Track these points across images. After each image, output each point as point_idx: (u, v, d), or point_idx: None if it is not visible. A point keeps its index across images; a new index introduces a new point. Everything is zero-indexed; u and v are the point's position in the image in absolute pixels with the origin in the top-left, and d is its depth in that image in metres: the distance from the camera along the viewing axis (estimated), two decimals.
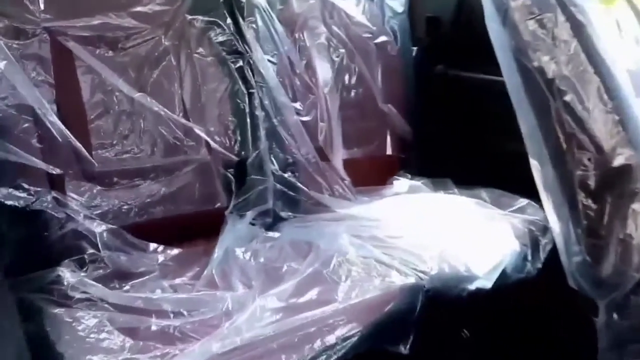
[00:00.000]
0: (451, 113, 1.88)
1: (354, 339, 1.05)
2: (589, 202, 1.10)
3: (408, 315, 1.19)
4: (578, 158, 1.10)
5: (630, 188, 1.06)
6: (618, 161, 1.06)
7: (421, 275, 1.24)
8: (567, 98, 1.08)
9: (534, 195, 1.54)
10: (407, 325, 1.17)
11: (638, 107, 1.09)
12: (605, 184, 1.08)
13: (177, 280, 1.22)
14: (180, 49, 1.44)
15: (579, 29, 1.09)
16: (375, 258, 1.28)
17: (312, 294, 1.12)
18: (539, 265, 1.44)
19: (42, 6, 1.27)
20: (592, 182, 1.09)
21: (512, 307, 1.52)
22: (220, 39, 1.48)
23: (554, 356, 1.58)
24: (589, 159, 1.09)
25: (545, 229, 1.49)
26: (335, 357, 1.01)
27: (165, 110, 1.38)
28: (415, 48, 1.92)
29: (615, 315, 1.10)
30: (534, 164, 1.20)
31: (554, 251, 1.41)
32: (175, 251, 1.32)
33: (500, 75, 1.53)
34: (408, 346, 1.14)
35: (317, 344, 1.01)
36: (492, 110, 1.77)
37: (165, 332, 1.03)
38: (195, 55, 1.45)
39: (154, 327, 1.02)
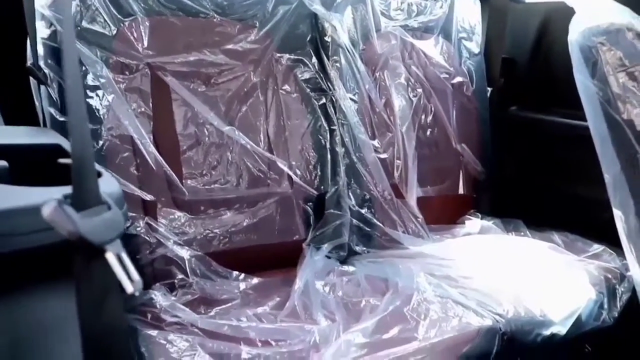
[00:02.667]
0: (524, 155, 1.92)
1: None
2: None
3: (485, 357, 1.23)
4: None
5: None
6: None
7: (498, 317, 1.28)
8: None
9: (608, 241, 1.58)
10: None
11: None
12: None
13: (260, 309, 1.28)
14: (268, 85, 1.53)
15: None
16: (452, 298, 1.32)
17: (394, 331, 1.16)
18: (616, 314, 1.46)
19: (145, 44, 1.38)
20: None
21: (587, 355, 1.53)
22: (306, 76, 1.58)
23: None
24: None
25: (623, 277, 1.51)
26: None
27: (252, 143, 1.47)
28: (490, 89, 1.97)
29: None
30: (617, 213, 1.23)
31: (632, 300, 1.44)
32: (255, 280, 1.39)
33: (576, 119, 1.57)
34: None
35: None
36: (563, 154, 1.81)
37: None
38: (281, 91, 1.55)
39: (244, 355, 1.08)
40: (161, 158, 1.35)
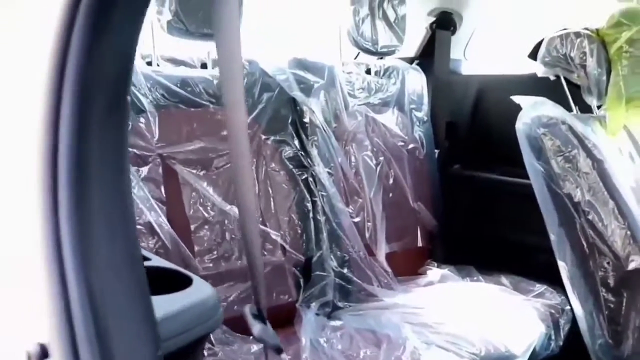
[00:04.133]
0: (469, 207, 2.29)
1: None
2: (610, 296, 1.50)
3: None
4: (599, 262, 1.50)
5: None
6: (632, 265, 1.47)
7: (473, 357, 1.60)
8: (590, 217, 1.49)
9: (548, 280, 1.95)
10: None
11: None
12: (622, 283, 1.48)
13: None
14: (258, 165, 1.80)
15: (597, 164, 1.51)
16: (436, 343, 1.63)
17: None
18: (561, 343, 1.82)
19: (156, 136, 1.61)
20: (611, 281, 1.49)
21: None
22: (289, 155, 1.86)
23: None
24: (608, 263, 1.49)
25: (563, 311, 1.88)
26: None
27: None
28: (437, 151, 2.33)
29: None
30: (561, 264, 1.60)
31: (572, 331, 1.80)
32: None
33: (511, 176, 1.93)
34: None
35: None
36: (503, 205, 2.19)
37: None
38: (269, 170, 1.82)
39: None
40: (178, 238, 1.58)
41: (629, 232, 1.47)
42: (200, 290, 1.02)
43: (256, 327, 0.75)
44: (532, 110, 1.57)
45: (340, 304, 1.89)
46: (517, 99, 1.61)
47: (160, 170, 1.62)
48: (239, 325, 1.63)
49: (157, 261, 1.16)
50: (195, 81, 1.73)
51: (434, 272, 2.14)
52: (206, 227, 1.68)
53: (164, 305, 0.89)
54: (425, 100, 2.32)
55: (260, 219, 1.78)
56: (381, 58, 2.32)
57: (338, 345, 1.64)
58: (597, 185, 1.50)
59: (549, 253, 1.64)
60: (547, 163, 1.52)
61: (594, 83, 1.66)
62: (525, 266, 2.08)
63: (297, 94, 1.89)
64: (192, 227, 1.65)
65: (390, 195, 2.14)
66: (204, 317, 0.90)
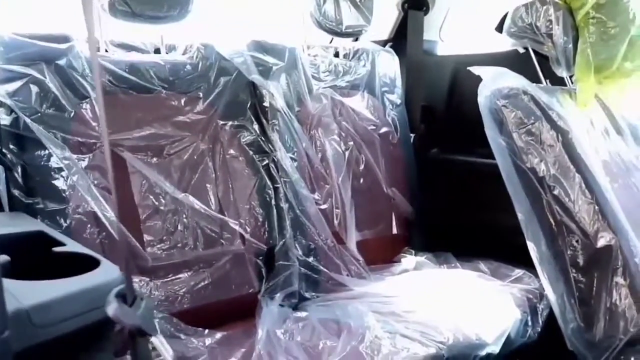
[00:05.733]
0: (447, 192, 2.18)
1: None
2: (580, 276, 1.39)
3: None
4: (568, 240, 1.39)
5: (613, 265, 1.35)
6: (601, 243, 1.36)
7: (440, 345, 1.49)
8: (556, 192, 1.38)
9: (527, 265, 1.84)
10: None
11: (613, 198, 1.39)
12: (591, 262, 1.37)
13: None
14: (215, 151, 1.71)
15: (561, 135, 1.40)
16: (400, 332, 1.53)
17: None
18: (539, 329, 1.71)
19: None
20: (581, 260, 1.38)
21: None
22: (249, 140, 1.77)
23: None
24: (577, 241, 1.38)
25: (542, 296, 1.77)
26: None
27: (204, 207, 1.64)
28: (413, 135, 2.23)
29: None
30: (530, 245, 1.49)
31: (551, 316, 1.69)
32: (219, 334, 1.54)
33: (488, 158, 1.83)
34: None
35: None
36: (482, 189, 2.08)
37: None
38: (228, 156, 1.73)
39: None
40: (125, 229, 1.49)
41: (596, 207, 1.36)
42: (104, 274, 0.94)
43: (111, 306, 0.66)
44: (492, 82, 1.46)
45: (307, 295, 1.80)
46: (476, 69, 1.51)
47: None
48: (191, 318, 1.55)
49: (72, 246, 1.09)
50: (146, 66, 1.64)
51: (409, 260, 2.04)
52: (157, 216, 1.59)
53: (59, 288, 0.82)
54: (399, 82, 2.21)
55: (218, 208, 1.69)
56: (355, 40, 2.22)
57: (297, 336, 1.54)
58: (562, 158, 1.39)
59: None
60: (509, 137, 1.41)
61: (561, 52, 1.55)
62: (505, 251, 1.98)
63: (256, 77, 1.80)
64: (142, 216, 1.57)
65: (361, 181, 2.04)
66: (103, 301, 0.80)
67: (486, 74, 1.48)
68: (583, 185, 1.37)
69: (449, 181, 2.17)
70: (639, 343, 1.31)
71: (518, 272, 1.89)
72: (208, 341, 1.52)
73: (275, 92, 1.81)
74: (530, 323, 1.70)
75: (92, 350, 0.80)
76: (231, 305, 1.66)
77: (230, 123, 1.75)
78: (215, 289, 1.63)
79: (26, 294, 0.76)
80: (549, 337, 1.70)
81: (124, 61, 1.61)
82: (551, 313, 1.69)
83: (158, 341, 0.69)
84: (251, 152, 1.77)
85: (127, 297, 0.68)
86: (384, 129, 2.12)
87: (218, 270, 1.65)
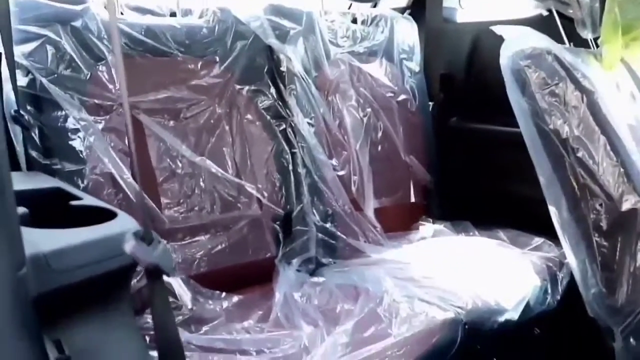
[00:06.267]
0: (466, 161, 2.14)
1: None
2: (602, 241, 1.35)
3: (450, 346, 1.42)
4: (591, 204, 1.35)
5: (638, 228, 1.31)
6: (626, 206, 1.32)
7: (459, 310, 1.47)
8: (580, 154, 1.34)
9: (547, 234, 1.81)
10: (450, 355, 1.40)
11: (639, 160, 1.35)
12: (615, 226, 1.33)
13: (246, 324, 1.42)
14: (232, 115, 1.69)
15: (586, 96, 1.36)
16: (418, 297, 1.50)
17: (371, 330, 1.33)
18: (558, 298, 1.68)
19: (117, 85, 1.51)
20: (604, 224, 1.34)
21: (537, 336, 1.75)
22: (266, 105, 1.74)
23: None
24: (601, 205, 1.34)
25: (562, 265, 1.74)
26: None
27: (222, 171, 1.62)
28: (431, 103, 2.19)
29: (631, 339, 1.32)
30: (552, 209, 1.45)
31: (571, 284, 1.66)
32: (236, 298, 1.53)
33: (509, 126, 1.80)
34: None
35: None
36: (501, 158, 2.04)
37: None
38: (245, 120, 1.70)
39: None
40: (142, 191, 1.47)
41: (622, 170, 1.31)
42: (121, 224, 0.93)
43: (129, 243, 0.64)
44: (515, 42, 1.42)
45: (324, 261, 1.78)
46: (498, 29, 1.46)
47: (123, 121, 1.52)
48: (208, 281, 1.54)
49: (89, 200, 1.08)
50: (162, 29, 1.62)
51: (427, 228, 2.02)
52: (174, 179, 1.57)
53: (77, 236, 0.81)
54: (417, 50, 2.17)
55: (235, 172, 1.67)
56: (374, 6, 2.18)
57: (315, 300, 1.53)
58: (587, 120, 1.34)
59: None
60: (532, 98, 1.37)
61: (587, 12, 1.50)
62: (524, 219, 1.94)
63: (273, 42, 1.77)
64: (159, 179, 1.55)
65: (379, 148, 2.01)
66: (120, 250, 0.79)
67: (509, 33, 1.44)
68: (608, 147, 1.32)
69: (467, 150, 2.13)
70: None
71: (538, 240, 1.85)
72: (225, 304, 1.51)
73: (292, 57, 1.78)
74: (549, 291, 1.67)
75: (110, 299, 0.79)
76: (248, 269, 1.64)
77: (247, 87, 1.72)
78: (233, 253, 1.62)
79: (44, 240, 0.75)
80: (568, 305, 1.67)
81: (139, 24, 1.59)
82: (571, 281, 1.66)
83: (177, 283, 0.67)
84: (268, 117, 1.74)
85: (145, 237, 0.67)
86: (402, 97, 2.08)
87: (235, 235, 1.63)
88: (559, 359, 1.82)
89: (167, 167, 1.57)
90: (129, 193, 1.46)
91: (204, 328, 1.40)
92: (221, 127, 1.67)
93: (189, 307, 0.67)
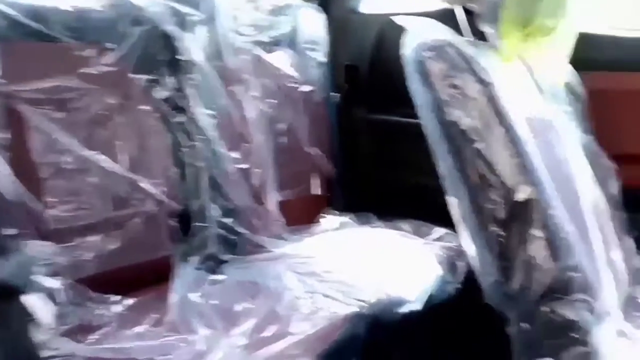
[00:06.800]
0: (370, 153, 2.12)
1: None
2: (499, 230, 1.34)
3: (354, 341, 1.38)
4: (489, 194, 1.34)
5: (531, 217, 1.31)
6: (520, 197, 1.31)
7: (362, 304, 1.44)
8: (478, 146, 1.32)
9: (448, 224, 1.81)
10: (354, 350, 1.36)
11: (534, 152, 1.36)
12: (511, 216, 1.32)
13: (139, 329, 1.32)
14: (126, 107, 1.56)
15: (485, 88, 1.34)
16: (320, 292, 1.46)
17: (271, 330, 1.27)
18: (458, 286, 1.69)
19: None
20: (500, 214, 1.33)
21: (438, 325, 1.74)
22: (163, 95, 1.63)
23: None
24: (498, 195, 1.33)
25: (461, 254, 1.73)
26: None
27: (115, 166, 1.50)
28: (336, 94, 2.14)
29: (524, 325, 1.32)
30: (452, 201, 1.43)
31: (469, 273, 1.67)
32: (130, 301, 1.42)
33: (411, 118, 1.78)
34: None
35: None
36: (405, 149, 2.03)
37: None
38: (140, 112, 1.59)
39: None
40: (22, 189, 1.34)
41: (517, 161, 1.31)
42: None
43: None
44: (418, 34, 1.38)
45: (225, 257, 1.69)
46: (400, 20, 1.43)
47: (3, 111, 1.37)
48: (100, 285, 1.42)
49: None
50: (49, 12, 1.47)
51: (331, 220, 1.98)
52: (61, 175, 1.44)
53: None
54: (323, 40, 2.12)
55: (129, 167, 1.55)
56: None
57: (214, 300, 1.45)
58: (486, 112, 1.33)
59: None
60: (433, 89, 1.34)
61: (488, 7, 1.49)
62: (427, 210, 1.93)
63: (172, 29, 1.65)
64: (44, 175, 1.41)
65: (283, 140, 1.94)
66: None
67: (411, 24, 1.40)
68: (506, 139, 1.32)
69: (371, 141, 2.11)
70: (553, 293, 1.29)
71: (439, 230, 1.85)
72: (119, 308, 1.40)
73: (192, 45, 1.68)
74: (450, 280, 1.67)
75: None
76: (144, 269, 1.54)
77: (143, 77, 1.60)
78: (126, 253, 1.50)
79: None
80: (467, 294, 1.68)
81: (21, 4, 1.42)
82: (469, 270, 1.67)
83: (32, 300, 0.57)
84: (166, 109, 1.63)
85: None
86: (306, 88, 2.02)
87: (129, 233, 1.52)
88: (459, 346, 1.83)
89: (52, 162, 1.43)
90: (6, 191, 1.31)
91: (92, 337, 1.29)
92: (114, 119, 1.54)
93: (50, 325, 0.57)
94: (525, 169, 1.32)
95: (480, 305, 1.45)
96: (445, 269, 1.67)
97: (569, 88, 1.75)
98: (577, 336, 1.25)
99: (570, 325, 1.25)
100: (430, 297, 1.58)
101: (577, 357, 1.23)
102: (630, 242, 1.70)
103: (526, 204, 1.31)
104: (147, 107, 1.60)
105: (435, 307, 1.60)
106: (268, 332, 1.27)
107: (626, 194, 1.75)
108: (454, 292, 1.66)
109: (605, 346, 1.27)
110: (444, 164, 1.41)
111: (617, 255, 1.57)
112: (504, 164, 1.32)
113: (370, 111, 2.13)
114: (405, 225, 1.92)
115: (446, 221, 1.79)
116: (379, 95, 2.08)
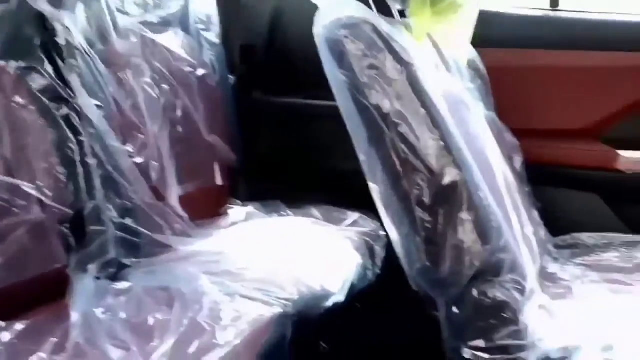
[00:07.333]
0: (274, 137, 2.00)
1: None
2: (426, 215, 1.28)
3: (281, 342, 1.27)
4: (413, 179, 1.27)
5: (458, 201, 1.27)
6: (447, 180, 1.26)
7: (285, 303, 1.33)
8: (401, 129, 1.25)
9: (361, 207, 1.74)
10: (283, 352, 1.25)
11: (457, 133, 1.31)
12: (438, 200, 1.27)
13: (35, 359, 1.12)
14: None
15: (405, 68, 1.27)
16: (240, 294, 1.33)
17: (196, 344, 1.12)
18: (378, 272, 1.63)
19: None
20: (426, 199, 1.27)
21: (361, 314, 1.68)
22: (41, 85, 1.40)
23: (406, 351, 1.79)
24: (423, 180, 1.27)
25: (379, 238, 1.68)
26: None
27: None
28: (233, 77, 1.99)
29: (454, 308, 1.29)
30: (373, 187, 1.35)
31: (389, 257, 1.62)
32: (20, 326, 1.20)
33: (319, 99, 1.68)
34: None
35: None
36: (312, 132, 1.93)
37: None
38: (13, 105, 1.35)
39: None
40: None
41: (442, 144, 1.25)
42: None
43: None
44: (331, 11, 1.27)
45: (127, 262, 1.51)
46: None
47: None
48: None
49: None
50: None
51: (237, 212, 1.84)
52: None
53: None
54: (216, 20, 1.95)
55: (5, 170, 1.32)
56: None
57: (122, 313, 1.27)
58: (407, 93, 1.25)
59: (363, 177, 1.40)
60: (350, 71, 1.24)
61: None
62: (339, 195, 1.86)
63: (45, 7, 1.42)
64: None
65: (180, 129, 1.76)
66: None
67: (323, 1, 1.29)
68: (429, 121, 1.25)
69: (274, 125, 1.99)
70: (484, 276, 1.26)
71: (352, 215, 1.78)
72: (6, 336, 1.17)
73: (71, 26, 1.46)
74: (370, 266, 1.61)
75: None
76: (34, 287, 1.32)
77: (14, 64, 1.37)
78: (11, 269, 1.28)
79: None
80: (388, 278, 1.63)
81: None
82: (389, 255, 1.62)
83: None
84: (45, 100, 1.40)
85: None
86: (201, 71, 1.85)
87: (12, 246, 1.28)
88: (386, 332, 1.79)
89: None
90: None
91: None
92: None
93: None
94: (450, 151, 1.27)
95: (404, 290, 1.40)
96: (363, 255, 1.60)
97: (471, 65, 1.74)
98: (508, 316, 1.24)
99: (502, 306, 1.23)
100: (353, 286, 1.51)
101: (508, 337, 1.21)
102: (536, 214, 1.73)
103: (453, 187, 1.26)
104: (22, 100, 1.37)
105: (356, 295, 1.54)
106: (192, 348, 1.12)
107: (528, 169, 1.78)
108: (374, 278, 1.60)
109: (531, 321, 1.26)
110: (363, 150, 1.33)
111: (529, 230, 1.58)
112: (428, 147, 1.26)
113: (270, 93, 2.00)
114: (316, 211, 1.83)
115: (358, 204, 1.74)
116: (279, 76, 1.96)
